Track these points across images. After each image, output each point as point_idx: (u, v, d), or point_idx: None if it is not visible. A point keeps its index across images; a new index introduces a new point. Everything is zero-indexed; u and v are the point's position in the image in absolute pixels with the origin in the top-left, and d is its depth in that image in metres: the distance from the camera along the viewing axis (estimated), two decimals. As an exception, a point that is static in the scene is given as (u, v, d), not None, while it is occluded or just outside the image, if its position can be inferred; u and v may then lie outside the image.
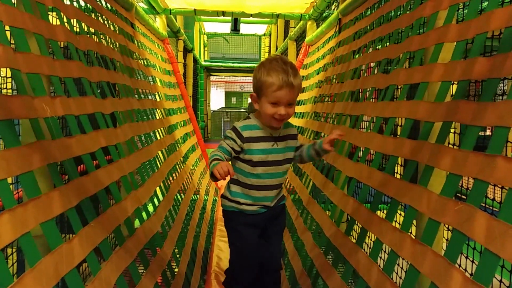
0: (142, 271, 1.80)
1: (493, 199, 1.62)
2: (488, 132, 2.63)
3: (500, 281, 1.59)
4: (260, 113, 1.73)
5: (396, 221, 1.55)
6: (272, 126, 1.73)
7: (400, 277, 1.91)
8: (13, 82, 1.90)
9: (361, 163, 1.94)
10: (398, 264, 1.73)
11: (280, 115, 1.65)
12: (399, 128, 1.81)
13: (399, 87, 1.79)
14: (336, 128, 2.44)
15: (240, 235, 1.86)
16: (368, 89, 2.14)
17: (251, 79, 1.74)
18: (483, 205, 1.53)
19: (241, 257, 1.88)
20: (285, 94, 1.63)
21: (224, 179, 1.58)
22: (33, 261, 1.02)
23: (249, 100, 1.82)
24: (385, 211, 1.62)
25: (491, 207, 1.62)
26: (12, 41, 1.27)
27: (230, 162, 1.74)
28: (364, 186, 1.80)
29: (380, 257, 1.61)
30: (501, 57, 1.09)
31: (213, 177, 1.60)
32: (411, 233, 1.40)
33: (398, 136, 1.62)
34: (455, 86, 1.34)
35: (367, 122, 2.17)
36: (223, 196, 1.88)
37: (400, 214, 1.70)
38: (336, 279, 1.78)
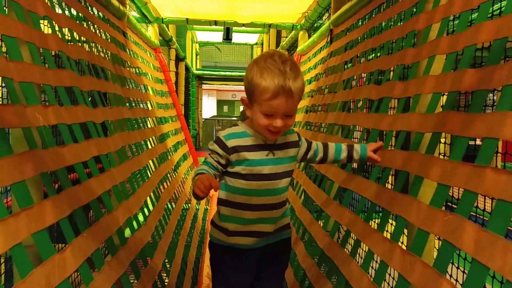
0: (133, 281, 1.79)
1: (484, 210, 1.63)
2: (478, 142, 2.65)
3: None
4: (252, 120, 1.43)
5: (387, 231, 1.56)
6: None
7: (391, 287, 1.91)
8: (4, 91, 1.89)
9: (357, 175, 1.94)
10: (390, 275, 1.74)
11: (275, 128, 1.34)
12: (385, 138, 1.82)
13: (393, 98, 1.80)
14: (330, 137, 2.45)
15: (227, 283, 1.54)
16: (360, 100, 2.15)
17: (243, 87, 1.48)
18: (474, 214, 1.55)
19: None
20: (281, 104, 1.30)
21: (207, 195, 1.28)
22: (24, 272, 1.00)
23: (241, 108, 1.66)
24: (376, 221, 1.62)
25: (481, 217, 1.64)
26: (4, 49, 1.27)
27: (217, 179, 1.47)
28: (362, 198, 1.78)
29: (372, 268, 1.61)
30: (489, 68, 1.11)
31: (195, 196, 1.30)
32: (402, 243, 1.40)
33: (392, 146, 1.64)
34: (445, 97, 1.36)
35: (360, 133, 2.18)
36: (212, 223, 1.59)
37: (392, 224, 1.70)
38: (328, 289, 1.78)
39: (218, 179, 1.48)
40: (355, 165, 1.98)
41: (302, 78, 1.35)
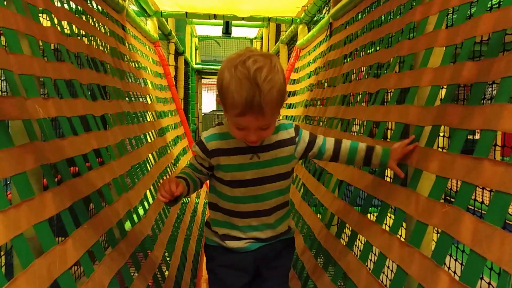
0: (133, 273, 1.80)
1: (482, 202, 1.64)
2: (477, 136, 2.65)
3: (489, 284, 1.62)
4: None
5: (386, 224, 1.57)
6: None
7: (389, 279, 1.92)
8: (3, 84, 1.89)
9: (351, 166, 1.95)
10: (389, 267, 1.75)
11: (250, 142, 1.23)
12: (389, 131, 1.83)
13: (390, 91, 1.80)
14: (329, 131, 2.45)
15: (221, 283, 1.43)
16: (359, 93, 2.16)
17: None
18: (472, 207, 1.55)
19: None
20: (251, 120, 1.16)
21: (167, 199, 1.21)
22: (26, 262, 1.01)
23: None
24: (375, 214, 1.63)
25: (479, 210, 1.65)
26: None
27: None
28: (355, 189, 1.80)
29: (370, 260, 1.62)
30: (488, 61, 1.12)
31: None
32: (401, 236, 1.41)
33: (388, 140, 1.64)
34: (444, 90, 1.36)
35: (358, 126, 2.19)
36: (206, 224, 1.51)
37: (391, 217, 1.71)
38: (326, 281, 1.79)
39: (208, 182, 1.43)
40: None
41: (280, 85, 1.15)
